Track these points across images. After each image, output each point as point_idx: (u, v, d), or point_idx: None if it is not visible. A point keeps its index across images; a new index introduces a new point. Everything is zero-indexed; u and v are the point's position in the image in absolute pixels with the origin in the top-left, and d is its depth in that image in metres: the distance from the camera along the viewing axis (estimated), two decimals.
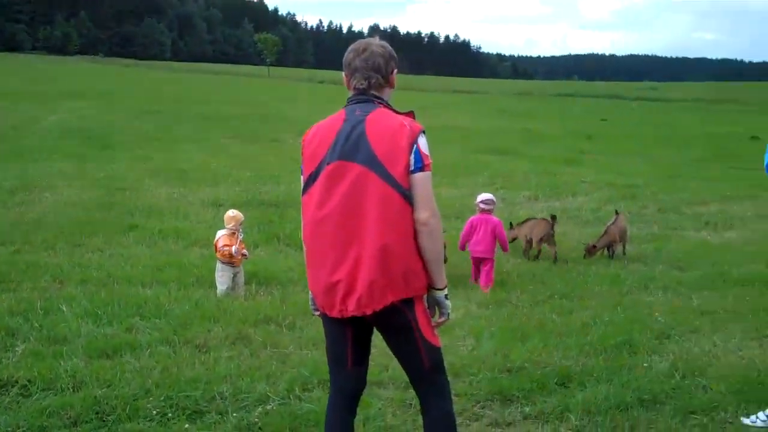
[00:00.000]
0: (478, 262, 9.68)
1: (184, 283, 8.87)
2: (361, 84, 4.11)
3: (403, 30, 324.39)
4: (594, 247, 10.89)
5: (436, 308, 4.19)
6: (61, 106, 36.54)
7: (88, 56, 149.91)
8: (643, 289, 9.14)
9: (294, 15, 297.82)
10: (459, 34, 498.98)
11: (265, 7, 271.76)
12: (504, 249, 9.94)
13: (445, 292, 4.14)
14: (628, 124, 40.69)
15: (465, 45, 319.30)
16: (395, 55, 4.21)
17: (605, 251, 11.00)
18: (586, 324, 7.55)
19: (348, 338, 4.15)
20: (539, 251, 10.93)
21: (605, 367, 6.35)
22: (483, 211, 9.74)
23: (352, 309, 3.93)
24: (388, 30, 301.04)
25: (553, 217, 11.03)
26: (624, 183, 17.74)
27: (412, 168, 3.89)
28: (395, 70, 4.20)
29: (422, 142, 3.94)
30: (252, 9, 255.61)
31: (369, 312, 3.91)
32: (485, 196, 9.97)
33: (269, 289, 8.86)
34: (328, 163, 3.98)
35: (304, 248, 4.16)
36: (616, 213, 11.50)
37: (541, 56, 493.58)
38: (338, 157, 3.96)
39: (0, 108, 33.42)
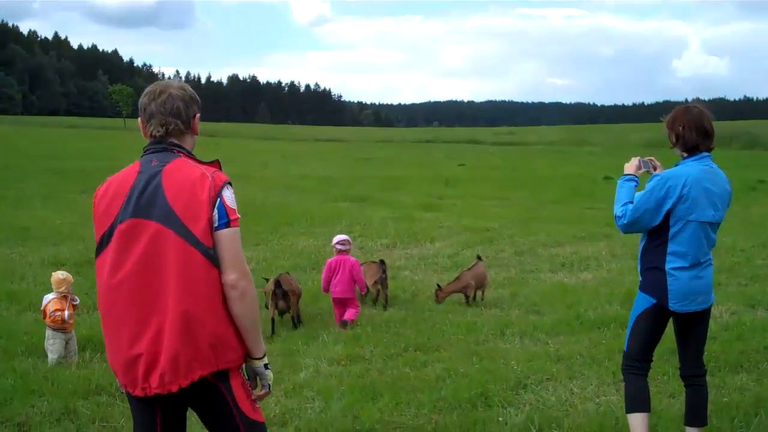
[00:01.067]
0: (340, 303, 9.75)
1: (11, 353, 8.15)
2: (158, 131, 3.69)
3: (262, 79, 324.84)
4: (440, 289, 10.76)
5: (257, 380, 3.79)
6: None
7: None
8: (500, 336, 8.88)
9: (150, 66, 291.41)
10: (319, 83, 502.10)
11: (120, 58, 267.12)
12: (361, 289, 10.08)
13: (265, 361, 3.75)
14: (485, 167, 41.21)
15: (326, 93, 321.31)
16: (197, 98, 3.81)
17: (464, 297, 10.77)
18: (440, 377, 7.23)
19: (156, 421, 3.65)
20: (377, 294, 10.72)
21: (459, 424, 6.03)
22: (340, 252, 9.92)
23: (155, 386, 3.46)
24: (248, 79, 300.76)
25: (382, 261, 10.87)
26: (481, 227, 17.68)
27: (216, 224, 3.50)
28: (197, 115, 3.79)
29: (227, 195, 3.55)
30: (107, 61, 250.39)
31: (174, 389, 3.45)
32: (341, 237, 10.12)
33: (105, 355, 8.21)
34: (120, 222, 3.52)
35: (101, 318, 3.67)
36: (478, 258, 11.32)
37: (402, 104, 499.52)
38: (132, 215, 3.51)
39: None
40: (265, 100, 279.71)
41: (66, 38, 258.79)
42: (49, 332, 8.05)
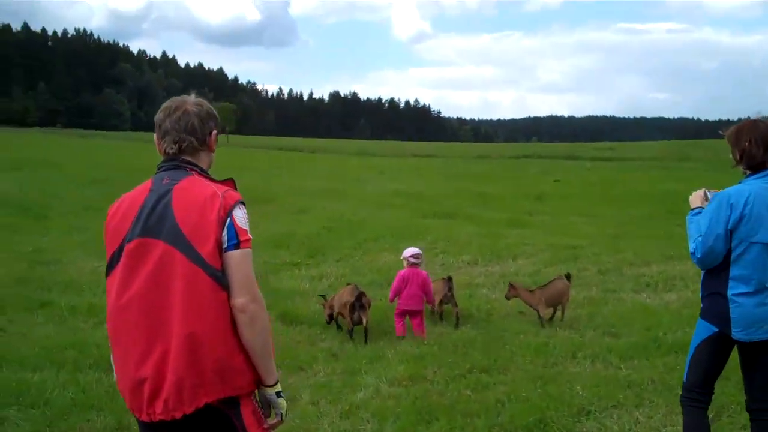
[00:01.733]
0: (405, 315, 9.90)
1: (79, 365, 8.19)
2: (171, 148, 3.60)
3: (363, 96, 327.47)
4: (512, 287, 10.70)
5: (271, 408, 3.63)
6: (3, 177, 35.61)
7: (46, 128, 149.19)
8: (570, 358, 8.55)
9: (254, 83, 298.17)
10: (419, 99, 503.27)
11: (225, 76, 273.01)
12: (429, 302, 10.16)
13: (277, 388, 3.59)
14: (580, 184, 40.44)
15: (425, 109, 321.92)
16: (215, 113, 3.71)
17: (539, 316, 10.55)
18: (500, 401, 6.98)
19: None
20: (441, 313, 10.72)
21: None
22: (412, 265, 10.03)
23: (159, 412, 3.35)
24: (349, 96, 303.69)
25: (449, 278, 10.75)
26: (566, 244, 17.20)
27: (225, 245, 3.37)
28: (214, 132, 3.68)
29: (239, 215, 3.43)
30: (212, 78, 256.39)
31: (179, 416, 3.33)
32: (413, 250, 10.20)
33: None
34: (129, 241, 3.44)
35: (109, 340, 3.58)
36: (567, 277, 11.01)
37: (501, 119, 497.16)
38: (140, 234, 3.42)
39: None
40: (365, 116, 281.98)
41: (174, 57, 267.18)
42: None
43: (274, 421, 3.64)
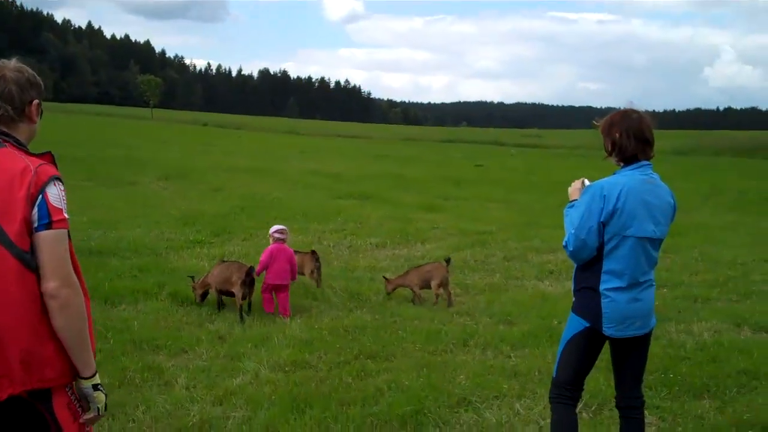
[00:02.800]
0: (272, 290, 10.00)
1: None
2: None
3: (293, 74, 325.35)
4: (388, 281, 10.89)
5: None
6: None
7: None
8: (462, 346, 8.36)
9: (182, 57, 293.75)
10: (350, 80, 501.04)
11: (152, 49, 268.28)
12: (294, 278, 10.27)
13: (94, 381, 3.29)
14: (502, 169, 40.64)
15: (356, 90, 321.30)
16: (38, 81, 3.38)
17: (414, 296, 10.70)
18: (379, 390, 6.75)
19: None
20: (318, 282, 11.14)
21: None
22: (278, 240, 10.24)
23: None
24: (279, 74, 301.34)
25: (314, 252, 11.42)
26: (477, 230, 17.11)
27: (35, 224, 3.06)
28: (35, 101, 3.34)
29: (53, 192, 3.12)
30: (139, 51, 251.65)
31: None
32: (279, 226, 10.48)
33: None
34: None
35: None
36: (447, 261, 10.83)
37: (432, 103, 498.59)
38: None
39: None
40: (294, 95, 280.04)
41: (100, 27, 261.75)
42: None
43: (91, 415, 3.35)
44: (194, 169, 30.54)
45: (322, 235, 15.90)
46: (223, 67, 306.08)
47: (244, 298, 9.69)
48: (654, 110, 5.06)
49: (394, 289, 10.85)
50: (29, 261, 3.06)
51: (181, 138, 60.53)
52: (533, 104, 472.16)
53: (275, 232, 10.32)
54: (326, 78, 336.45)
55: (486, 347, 8.37)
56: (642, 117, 4.70)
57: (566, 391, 4.91)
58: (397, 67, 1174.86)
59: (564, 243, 4.77)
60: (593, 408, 6.49)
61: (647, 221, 4.58)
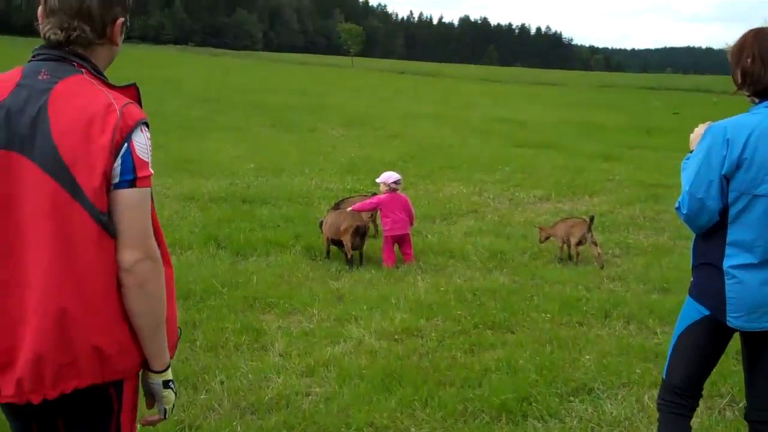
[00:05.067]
0: (395, 243, 9.47)
1: None
2: (56, 34, 2.52)
3: (493, 21, 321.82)
4: (540, 228, 10.27)
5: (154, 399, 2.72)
6: None
7: (179, 45, 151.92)
8: (601, 318, 7.32)
9: (385, 6, 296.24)
10: (551, 26, 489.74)
11: None
12: (412, 224, 9.74)
13: (166, 376, 2.65)
14: (701, 118, 37.80)
15: (556, 37, 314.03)
16: None
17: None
18: (486, 369, 5.90)
19: None
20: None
21: None
22: (393, 190, 9.57)
23: (10, 393, 2.42)
24: (479, 21, 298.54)
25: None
26: (654, 182, 15.73)
27: (116, 180, 2.40)
28: (120, 19, 2.62)
29: (139, 142, 2.47)
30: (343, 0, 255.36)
31: (36, 401, 2.42)
32: (396, 175, 9.75)
33: None
34: None
35: None
36: (591, 219, 9.74)
37: (635, 49, 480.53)
38: (5, 144, 2.41)
39: None
40: (494, 42, 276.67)
41: None
42: None
43: (154, 417, 2.74)
44: (377, 117, 30.22)
45: (483, 186, 15.00)
46: (424, 15, 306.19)
47: (354, 248, 9.22)
48: None
49: (547, 239, 10.04)
50: (108, 225, 2.42)
51: (376, 86, 60.44)
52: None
53: (392, 181, 9.56)
54: (526, 24, 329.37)
55: (630, 320, 7.31)
56: None
57: (678, 397, 3.90)
58: (600, 12, 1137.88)
59: (677, 204, 3.74)
60: (741, 404, 5.40)
61: None
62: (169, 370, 2.68)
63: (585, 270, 9.21)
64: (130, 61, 66.23)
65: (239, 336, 6.59)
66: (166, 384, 2.67)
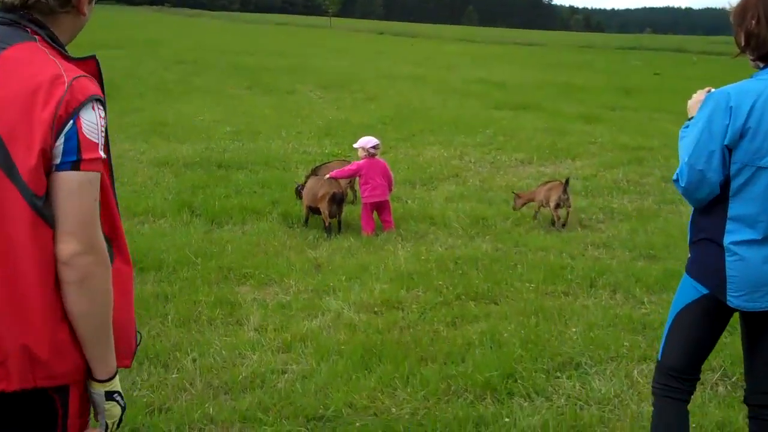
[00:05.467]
0: (373, 210, 9.21)
1: None
2: None
3: None
4: (517, 196, 9.98)
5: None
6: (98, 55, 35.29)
7: (155, 6, 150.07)
8: (587, 287, 7.10)
9: None
10: None
11: None
12: (391, 190, 9.47)
13: (111, 386, 2.34)
14: (681, 79, 37.67)
15: None
16: None
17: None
18: (469, 343, 5.69)
19: None
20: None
21: (447, 421, 4.53)
22: (372, 155, 9.25)
23: None
24: None
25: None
26: (637, 145, 15.43)
27: (56, 160, 2.08)
28: None
29: (89, 119, 2.14)
30: None
31: None
32: (374, 140, 9.39)
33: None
34: None
35: None
36: (566, 181, 9.52)
37: (615, 9, 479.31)
38: None
39: None
40: (473, 2, 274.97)
41: None
42: None
43: (95, 431, 2.41)
44: (355, 78, 29.80)
45: (464, 150, 14.71)
46: None
47: (332, 216, 9.02)
48: None
49: (523, 205, 9.89)
50: (44, 211, 2.11)
51: (354, 47, 59.73)
52: (723, 9, 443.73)
53: (370, 146, 9.20)
54: None
55: (616, 289, 7.10)
56: None
57: (675, 380, 3.67)
58: None
59: (675, 176, 3.50)
60: (734, 379, 5.22)
61: None
62: (116, 379, 2.38)
63: (568, 236, 9.01)
64: (104, 23, 65.40)
65: (213, 310, 6.36)
66: (110, 395, 2.37)
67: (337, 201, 8.94)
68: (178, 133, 15.68)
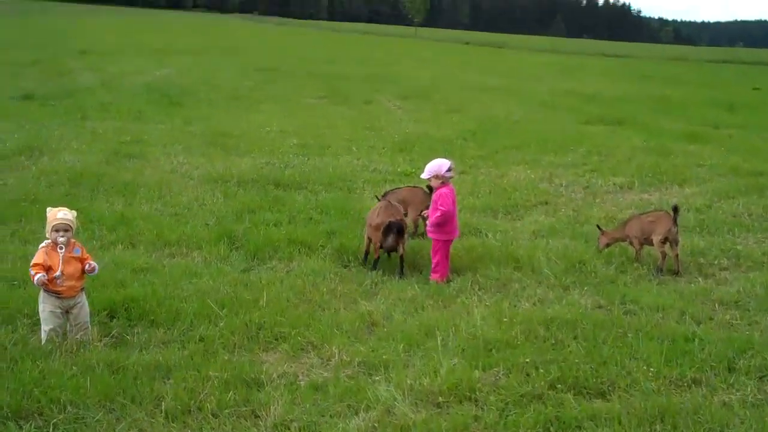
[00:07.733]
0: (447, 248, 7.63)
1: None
2: None
3: None
4: (602, 233, 8.39)
5: None
6: (175, 61, 34.90)
7: (245, 14, 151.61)
8: (725, 371, 5.29)
9: None
10: None
11: None
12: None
13: None
14: None
15: (625, 8, 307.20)
16: None
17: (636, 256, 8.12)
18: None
19: None
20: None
21: None
22: (448, 180, 7.66)
23: None
24: None
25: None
26: (753, 169, 13.38)
27: None
28: None
29: None
30: None
31: None
32: (448, 162, 7.69)
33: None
34: None
35: None
36: (674, 209, 7.88)
37: (705, 21, 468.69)
38: None
39: (101, 62, 32.15)
40: (561, 13, 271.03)
41: None
42: (41, 295, 5.63)
43: None
44: (438, 89, 28.42)
45: (554, 171, 12.98)
46: None
47: (388, 250, 7.66)
48: None
49: (608, 245, 8.30)
50: None
51: (438, 57, 58.14)
52: None
53: (445, 170, 7.53)
54: None
55: (764, 376, 5.32)
56: None
57: None
58: None
59: None
60: None
61: None
62: None
63: (688, 290, 7.20)
64: (190, 30, 65.38)
65: (224, 392, 4.79)
66: None
67: (395, 232, 7.40)
68: (240, 145, 14.42)
